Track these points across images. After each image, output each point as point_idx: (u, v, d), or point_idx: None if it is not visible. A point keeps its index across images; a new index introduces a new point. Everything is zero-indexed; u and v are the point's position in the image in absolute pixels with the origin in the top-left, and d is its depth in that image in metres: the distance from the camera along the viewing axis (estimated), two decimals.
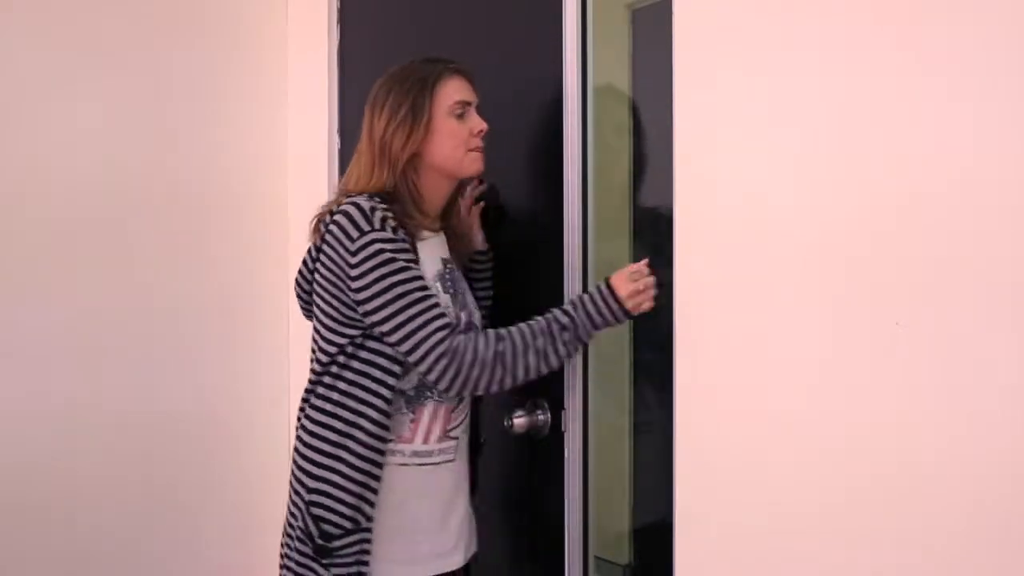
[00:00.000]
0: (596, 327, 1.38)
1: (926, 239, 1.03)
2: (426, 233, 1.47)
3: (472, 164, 1.47)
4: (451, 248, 1.54)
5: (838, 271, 1.12)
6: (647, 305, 1.38)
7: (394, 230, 1.38)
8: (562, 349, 1.36)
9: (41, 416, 2.00)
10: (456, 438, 1.49)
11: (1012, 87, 0.96)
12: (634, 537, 1.59)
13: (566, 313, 1.38)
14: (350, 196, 1.41)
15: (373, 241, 1.34)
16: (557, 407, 1.60)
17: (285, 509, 1.50)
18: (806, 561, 1.16)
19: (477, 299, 1.58)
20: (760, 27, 1.21)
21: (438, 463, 1.46)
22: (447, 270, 1.48)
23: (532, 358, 1.35)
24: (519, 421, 1.62)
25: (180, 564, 2.18)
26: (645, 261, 1.39)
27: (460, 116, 1.46)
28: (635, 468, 1.57)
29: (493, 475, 1.79)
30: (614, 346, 1.58)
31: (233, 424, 2.26)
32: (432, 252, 1.47)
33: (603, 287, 1.37)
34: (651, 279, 1.38)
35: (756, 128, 1.21)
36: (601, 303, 1.36)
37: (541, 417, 1.62)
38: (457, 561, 1.49)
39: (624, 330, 1.57)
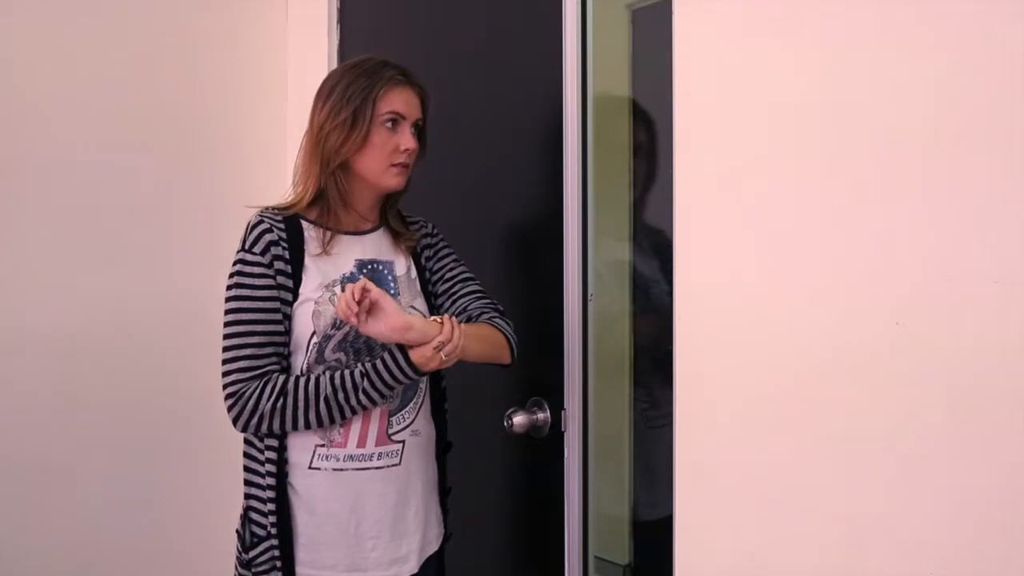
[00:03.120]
0: (389, 387, 1.35)
1: (927, 238, 1.03)
2: (344, 238, 1.45)
3: (391, 179, 1.43)
4: (398, 242, 1.50)
5: (838, 270, 1.12)
6: (435, 365, 1.34)
7: (269, 247, 1.37)
8: (363, 399, 1.35)
9: (43, 400, 2.00)
10: (401, 441, 1.43)
11: (1014, 92, 0.96)
12: (634, 537, 1.59)
13: (359, 373, 1.35)
14: (273, 206, 1.45)
15: (235, 262, 1.39)
16: (557, 407, 1.60)
17: None
18: (806, 562, 1.16)
19: (435, 293, 1.54)
20: (760, 27, 1.21)
21: (381, 467, 1.42)
22: (362, 272, 1.43)
23: (302, 420, 1.35)
24: (519, 421, 1.61)
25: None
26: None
27: (390, 127, 1.41)
28: (635, 468, 1.57)
29: (493, 475, 1.79)
30: (614, 346, 1.58)
31: None
32: (343, 255, 1.44)
33: (400, 358, 1.34)
34: (448, 347, 1.32)
35: (756, 127, 1.21)
36: (391, 362, 1.34)
37: (541, 417, 1.62)
38: (409, 568, 1.45)
39: (624, 330, 1.57)
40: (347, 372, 1.36)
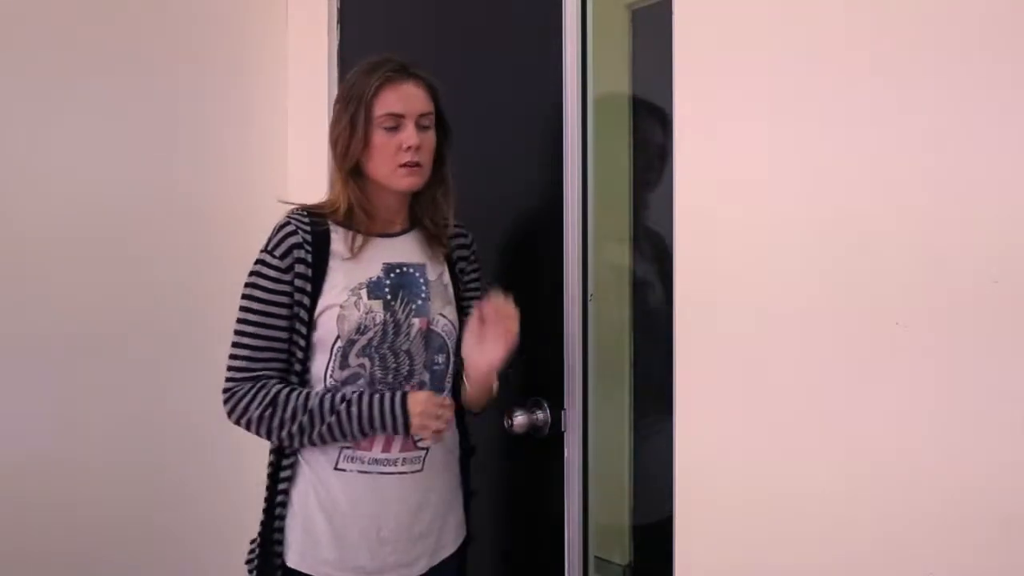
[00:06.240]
0: (372, 426, 1.37)
1: (927, 238, 1.03)
2: (373, 240, 1.44)
3: (401, 180, 1.40)
4: (432, 244, 1.49)
5: (838, 271, 1.12)
6: (427, 434, 1.38)
7: (291, 250, 1.38)
8: (325, 432, 1.36)
9: (43, 414, 2.00)
10: (426, 448, 1.44)
11: (1009, 92, 0.96)
12: (634, 537, 1.59)
13: (348, 399, 1.37)
14: (307, 206, 1.45)
15: (256, 261, 1.40)
16: (557, 407, 1.60)
17: None
18: (805, 562, 1.16)
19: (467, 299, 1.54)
20: (760, 26, 1.21)
21: (404, 472, 1.42)
22: (389, 276, 1.42)
23: (286, 432, 1.37)
24: (519, 421, 1.61)
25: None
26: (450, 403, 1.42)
27: (390, 129, 1.39)
28: (635, 468, 1.57)
29: (493, 475, 1.79)
30: (614, 346, 1.58)
31: None
32: (370, 258, 1.43)
33: (398, 396, 1.37)
34: (447, 415, 1.40)
35: (756, 127, 1.21)
36: (388, 406, 1.36)
37: (541, 417, 1.62)
38: (418, 570, 1.46)
39: (624, 330, 1.57)
40: (340, 392, 1.37)
